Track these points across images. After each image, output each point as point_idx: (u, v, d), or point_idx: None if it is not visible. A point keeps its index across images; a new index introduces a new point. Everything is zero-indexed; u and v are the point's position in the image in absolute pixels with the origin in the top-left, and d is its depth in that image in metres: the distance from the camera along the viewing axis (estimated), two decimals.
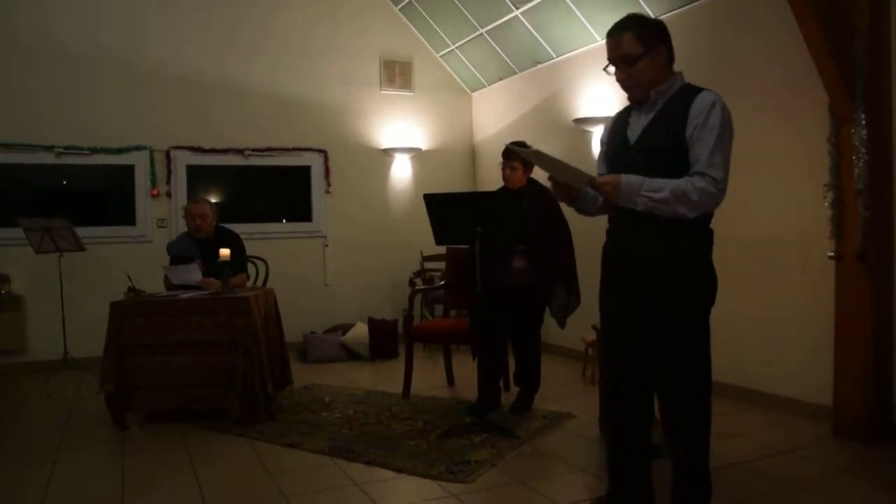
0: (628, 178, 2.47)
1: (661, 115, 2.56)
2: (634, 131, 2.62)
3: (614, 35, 2.59)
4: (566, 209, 3.30)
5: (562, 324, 4.53)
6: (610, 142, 2.77)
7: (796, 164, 4.32)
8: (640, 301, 2.62)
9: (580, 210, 2.81)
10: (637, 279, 2.62)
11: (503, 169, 4.58)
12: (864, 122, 3.70)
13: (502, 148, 4.52)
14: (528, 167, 4.53)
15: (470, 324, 4.65)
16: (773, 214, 4.49)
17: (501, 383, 4.78)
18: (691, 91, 2.55)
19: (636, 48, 2.52)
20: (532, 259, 4.47)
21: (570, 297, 4.46)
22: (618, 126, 2.72)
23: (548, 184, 2.90)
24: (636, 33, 2.53)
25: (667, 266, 2.56)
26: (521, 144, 4.53)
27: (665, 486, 2.74)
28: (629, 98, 2.68)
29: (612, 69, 2.63)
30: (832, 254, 3.92)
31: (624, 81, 2.61)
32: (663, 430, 2.71)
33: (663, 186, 2.42)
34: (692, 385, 2.61)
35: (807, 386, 4.27)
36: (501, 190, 4.68)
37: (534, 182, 4.54)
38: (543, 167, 2.73)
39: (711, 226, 2.64)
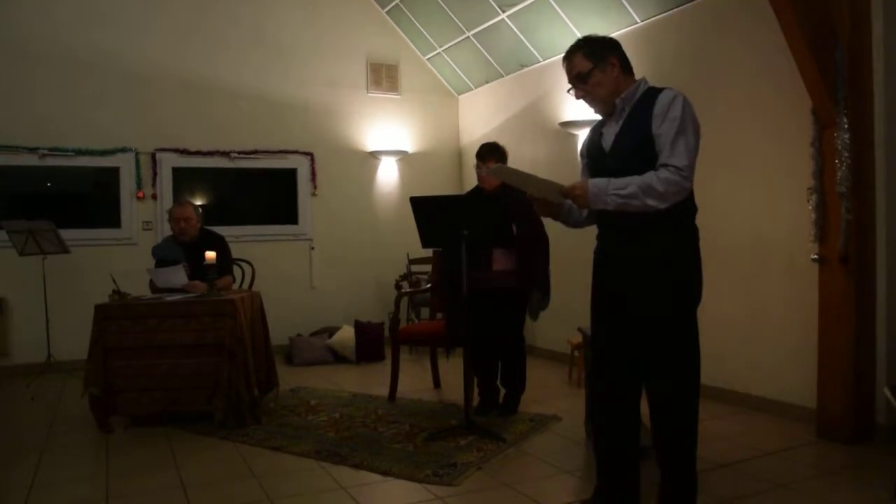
0: (595, 181, 2.58)
1: (630, 120, 2.67)
2: (608, 140, 2.73)
3: (567, 58, 2.77)
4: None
5: (534, 317, 4.57)
6: (588, 154, 2.88)
7: (780, 167, 4.36)
8: (628, 302, 2.67)
9: (567, 223, 2.88)
10: (625, 281, 2.67)
11: (478, 169, 4.60)
12: (846, 126, 3.74)
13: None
14: None
15: (447, 325, 4.67)
16: (756, 218, 4.52)
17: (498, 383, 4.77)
18: (654, 92, 2.65)
19: (586, 65, 2.69)
20: (516, 260, 4.48)
21: (544, 298, 4.51)
22: (593, 138, 2.85)
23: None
24: (584, 52, 2.71)
25: (653, 266, 2.61)
26: (494, 146, 4.59)
27: (652, 487, 2.76)
28: (597, 112, 2.80)
29: (573, 91, 2.78)
30: (815, 256, 3.96)
31: (584, 98, 2.76)
32: (651, 430, 2.73)
33: (629, 182, 2.51)
34: (680, 384, 2.65)
35: (791, 388, 4.31)
36: (476, 191, 4.69)
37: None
38: (512, 182, 2.77)
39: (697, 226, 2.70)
